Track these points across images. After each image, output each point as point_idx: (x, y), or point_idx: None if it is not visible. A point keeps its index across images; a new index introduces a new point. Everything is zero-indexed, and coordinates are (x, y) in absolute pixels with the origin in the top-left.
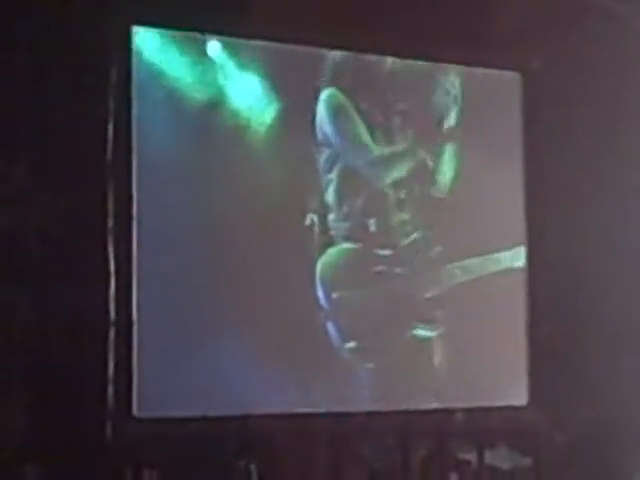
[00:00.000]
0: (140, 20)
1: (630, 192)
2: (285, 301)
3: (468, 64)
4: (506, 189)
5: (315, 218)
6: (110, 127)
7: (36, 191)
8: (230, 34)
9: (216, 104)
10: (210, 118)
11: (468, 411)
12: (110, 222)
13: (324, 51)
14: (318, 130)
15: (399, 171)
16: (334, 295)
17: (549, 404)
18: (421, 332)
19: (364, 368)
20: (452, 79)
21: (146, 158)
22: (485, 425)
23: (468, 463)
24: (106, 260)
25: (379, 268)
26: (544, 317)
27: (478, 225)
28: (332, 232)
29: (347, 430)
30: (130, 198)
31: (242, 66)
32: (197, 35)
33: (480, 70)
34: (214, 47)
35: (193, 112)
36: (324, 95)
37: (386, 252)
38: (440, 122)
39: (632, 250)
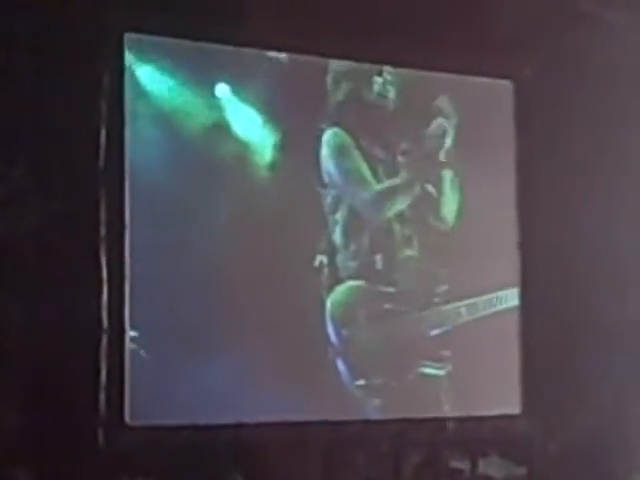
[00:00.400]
0: (134, 27)
1: (623, 199)
2: (291, 333)
3: (460, 72)
4: (501, 210)
5: (324, 259)
6: (103, 133)
7: (28, 197)
8: (226, 42)
9: (216, 131)
10: (208, 140)
11: (461, 420)
12: (102, 230)
13: (328, 93)
14: (323, 171)
15: (400, 204)
16: (344, 332)
17: (542, 413)
18: (428, 370)
19: (371, 404)
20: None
21: (139, 165)
22: (478, 434)
23: (461, 472)
24: (98, 268)
25: (386, 306)
26: (536, 325)
27: (482, 262)
28: (340, 271)
29: (341, 438)
30: (122, 206)
31: (246, 103)
32: (203, 75)
33: (472, 78)
34: (222, 89)
35: (190, 130)
36: (327, 135)
37: (393, 289)
38: (438, 151)
39: (625, 257)
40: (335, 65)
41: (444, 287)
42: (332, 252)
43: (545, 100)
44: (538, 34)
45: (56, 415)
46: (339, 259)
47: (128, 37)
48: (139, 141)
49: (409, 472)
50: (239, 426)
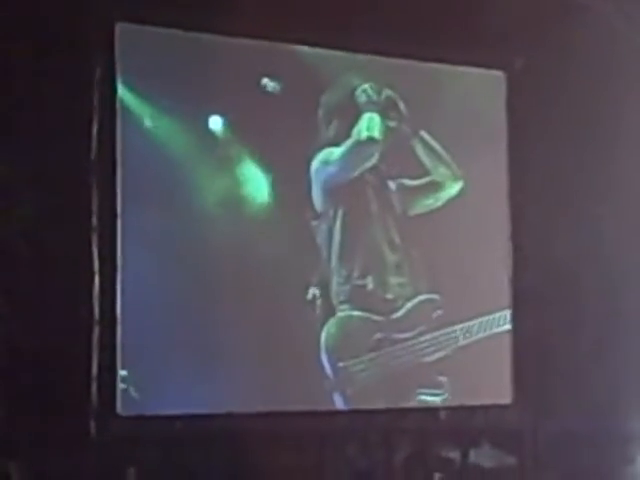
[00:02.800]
0: (125, 17)
1: (616, 189)
2: (285, 365)
3: (452, 63)
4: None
5: (317, 292)
6: (94, 124)
7: (20, 188)
8: (215, 32)
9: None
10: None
11: (452, 410)
12: (94, 220)
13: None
14: (314, 200)
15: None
16: (340, 364)
17: (533, 403)
18: (426, 397)
19: None
20: None
21: (130, 157)
22: (469, 424)
23: (452, 462)
24: (90, 258)
25: (380, 335)
26: (528, 315)
27: (477, 282)
28: (333, 300)
29: (331, 429)
30: (114, 196)
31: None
32: (197, 110)
33: (465, 69)
34: (216, 121)
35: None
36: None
37: (386, 318)
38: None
39: (617, 250)
40: (326, 97)
41: (439, 312)
42: (325, 283)
43: (537, 90)
44: (529, 25)
45: (48, 406)
46: (332, 286)
47: (120, 27)
48: (130, 132)
49: (400, 462)
50: (229, 416)
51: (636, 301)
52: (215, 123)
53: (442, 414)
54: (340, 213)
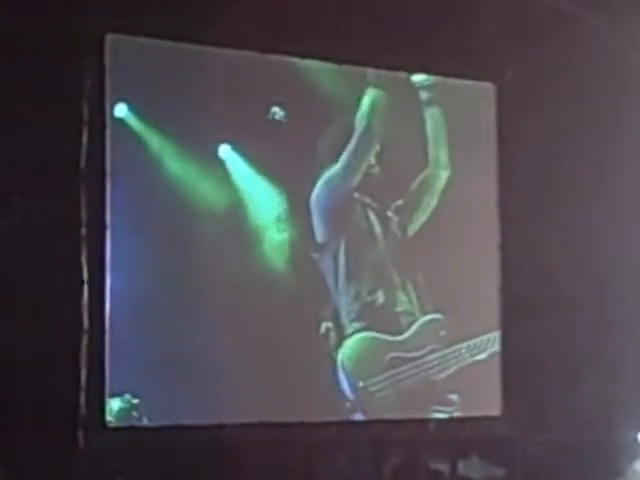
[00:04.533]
0: (113, 28)
1: (606, 198)
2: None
3: (444, 75)
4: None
5: (330, 324)
6: (84, 134)
7: (8, 197)
8: (202, 42)
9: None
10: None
11: (441, 421)
12: (83, 230)
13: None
14: (316, 231)
15: None
16: (360, 384)
17: (522, 415)
18: (440, 415)
19: None
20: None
21: (120, 166)
22: (458, 435)
23: (441, 473)
24: (79, 268)
25: (392, 354)
26: (517, 328)
27: (481, 301)
28: (344, 322)
29: (321, 439)
30: (104, 206)
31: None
32: (191, 124)
33: (457, 81)
34: (226, 150)
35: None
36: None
37: (397, 338)
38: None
39: (604, 262)
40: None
41: (443, 332)
42: (336, 313)
43: (526, 101)
44: (519, 38)
45: (36, 416)
46: (342, 308)
47: (110, 38)
48: (121, 144)
49: (389, 473)
50: (220, 427)
51: (625, 313)
52: (225, 152)
53: (431, 426)
54: (343, 240)
